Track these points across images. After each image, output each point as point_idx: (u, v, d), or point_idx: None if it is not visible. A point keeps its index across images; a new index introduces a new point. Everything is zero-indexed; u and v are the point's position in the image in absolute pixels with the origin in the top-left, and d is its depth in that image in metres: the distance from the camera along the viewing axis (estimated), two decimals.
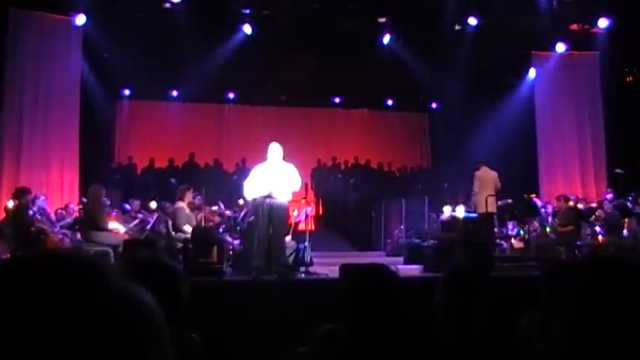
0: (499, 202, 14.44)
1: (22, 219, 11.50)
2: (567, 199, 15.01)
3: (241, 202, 14.23)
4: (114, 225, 11.95)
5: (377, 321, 3.13)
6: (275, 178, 10.52)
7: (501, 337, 3.57)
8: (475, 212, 14.32)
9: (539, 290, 3.81)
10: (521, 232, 15.35)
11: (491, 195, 13.88)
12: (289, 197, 10.89)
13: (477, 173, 14.25)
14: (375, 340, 3.10)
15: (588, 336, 1.36)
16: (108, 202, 13.26)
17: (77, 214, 13.41)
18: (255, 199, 10.67)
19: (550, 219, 15.64)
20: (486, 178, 14.11)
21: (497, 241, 14.79)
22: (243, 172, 18.11)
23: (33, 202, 12.40)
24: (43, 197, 13.39)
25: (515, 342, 3.78)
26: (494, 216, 14.42)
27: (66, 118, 16.23)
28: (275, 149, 10.84)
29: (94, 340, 0.79)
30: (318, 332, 3.88)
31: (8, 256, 10.32)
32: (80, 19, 16.10)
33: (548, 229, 15.11)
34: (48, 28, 16.06)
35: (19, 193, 11.93)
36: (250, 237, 11.26)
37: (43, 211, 12.90)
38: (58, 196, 15.54)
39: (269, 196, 10.40)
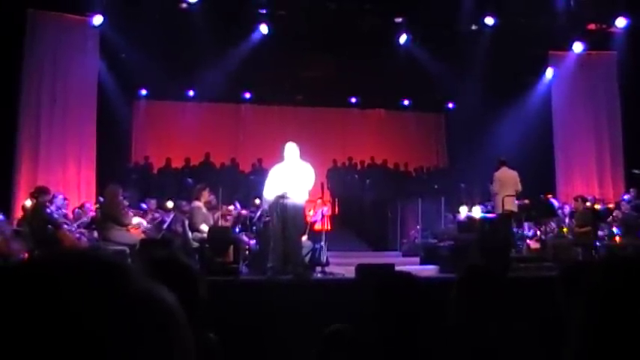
0: (517, 202, 14.34)
1: (39, 218, 11.56)
2: (585, 200, 14.92)
3: (257, 201, 14.25)
4: (137, 220, 12.02)
5: (398, 324, 3.13)
6: (291, 179, 10.54)
7: (517, 338, 3.56)
8: (494, 213, 14.26)
9: (555, 291, 3.80)
10: (538, 232, 15.30)
11: (508, 195, 13.78)
12: (305, 197, 10.90)
13: (496, 174, 14.10)
14: (395, 341, 3.10)
15: (606, 338, 1.36)
16: (126, 203, 13.32)
17: (94, 214, 13.46)
18: (270, 200, 10.71)
19: (567, 220, 15.58)
20: (506, 178, 13.99)
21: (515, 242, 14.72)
22: (259, 171, 18.16)
23: (51, 201, 12.46)
24: (61, 197, 13.46)
25: (531, 343, 3.77)
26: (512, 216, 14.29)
27: (83, 118, 16.32)
28: (291, 149, 10.85)
29: (117, 340, 0.80)
30: (326, 332, 3.89)
31: (26, 255, 10.38)
32: (97, 20, 16.17)
33: (565, 230, 15.04)
34: (65, 28, 16.15)
35: (38, 193, 11.99)
36: (266, 237, 11.30)
37: (61, 210, 12.96)
38: (75, 195, 15.61)
39: (283, 197, 10.41)
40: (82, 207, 14.37)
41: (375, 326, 3.20)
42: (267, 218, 11.41)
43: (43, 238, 11.15)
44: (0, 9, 14.34)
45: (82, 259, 0.87)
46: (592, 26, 18.61)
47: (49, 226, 11.60)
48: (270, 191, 10.71)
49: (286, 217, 10.42)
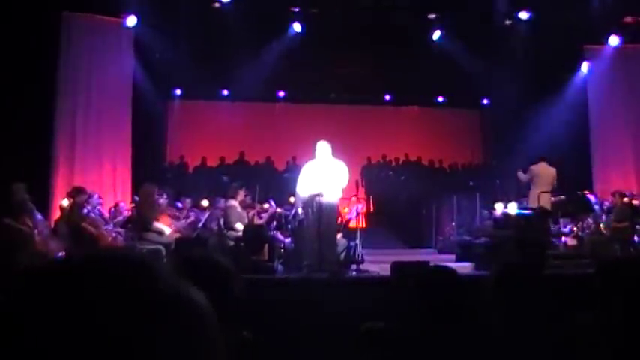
0: (552, 199, 14.22)
1: (76, 218, 11.67)
2: (622, 195, 14.75)
3: (292, 199, 14.26)
4: (159, 225, 11.96)
5: (437, 319, 3.12)
6: (324, 177, 10.56)
7: (554, 336, 3.53)
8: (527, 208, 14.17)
9: (593, 288, 3.76)
10: (574, 229, 15.15)
11: (544, 192, 13.69)
12: (339, 195, 10.91)
13: (533, 167, 14.04)
14: (433, 338, 3.09)
15: None
16: (165, 201, 13.39)
17: (129, 213, 13.56)
18: (303, 197, 10.76)
19: (604, 217, 15.39)
20: (543, 173, 13.90)
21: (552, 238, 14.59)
22: (293, 169, 18.19)
23: (87, 201, 12.57)
24: (97, 196, 13.57)
25: (568, 341, 3.73)
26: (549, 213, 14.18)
27: (118, 118, 16.45)
28: (323, 148, 10.88)
29: (145, 340, 0.80)
30: (361, 330, 3.88)
31: (63, 254, 10.49)
32: (131, 21, 16.29)
33: (602, 226, 14.87)
34: (100, 29, 16.28)
35: (75, 193, 12.10)
36: (301, 235, 11.33)
37: (96, 210, 13.08)
38: (110, 195, 15.72)
39: (318, 195, 10.44)
40: (116, 206, 14.48)
41: (413, 322, 3.19)
42: (302, 216, 11.43)
43: (80, 237, 11.25)
44: (36, 12, 14.53)
45: (113, 259, 0.88)
46: (628, 19, 18.35)
47: (86, 225, 11.70)
48: (303, 189, 10.75)
49: (321, 215, 10.45)
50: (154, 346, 0.80)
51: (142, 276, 0.85)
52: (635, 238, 13.99)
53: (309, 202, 10.62)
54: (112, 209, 14.39)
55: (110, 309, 0.80)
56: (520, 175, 14.35)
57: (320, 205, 10.47)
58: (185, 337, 0.83)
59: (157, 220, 11.93)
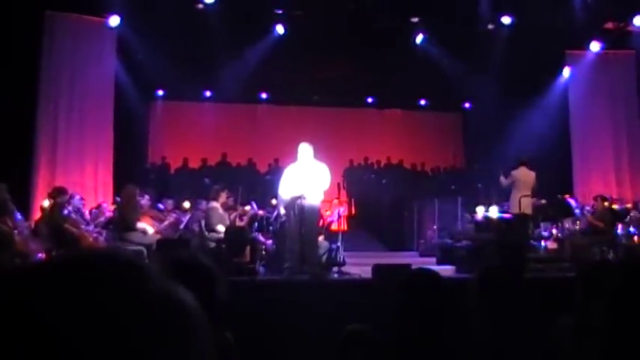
0: (533, 201, 14.27)
1: (57, 218, 11.59)
2: (604, 199, 14.83)
3: (274, 201, 14.24)
4: (142, 225, 11.91)
5: (420, 322, 3.13)
6: (306, 179, 10.56)
7: (536, 339, 3.55)
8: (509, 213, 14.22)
9: (574, 291, 3.78)
10: (554, 232, 15.21)
11: (525, 196, 13.73)
12: (321, 197, 10.92)
13: (513, 172, 14.07)
14: (416, 340, 3.09)
15: (628, 337, 1.35)
16: (148, 202, 13.33)
17: (111, 214, 13.50)
18: (285, 200, 10.76)
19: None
20: (523, 178, 13.92)
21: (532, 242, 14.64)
22: (276, 171, 18.17)
23: (68, 201, 12.50)
24: (78, 197, 13.49)
25: (550, 344, 3.75)
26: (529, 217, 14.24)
27: (100, 119, 16.37)
28: (304, 150, 10.87)
29: (136, 340, 0.80)
30: (345, 332, 3.89)
31: (44, 255, 10.43)
32: (114, 21, 16.22)
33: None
34: (82, 29, 16.20)
35: (55, 193, 12.02)
36: (283, 237, 11.31)
37: (78, 211, 13.00)
38: (92, 195, 15.65)
39: (300, 197, 10.44)
40: (98, 207, 14.42)
41: (396, 324, 3.19)
42: (284, 218, 11.42)
43: (61, 238, 11.19)
44: (18, 11, 14.45)
45: (101, 259, 0.87)
46: (610, 25, 18.48)
47: (67, 225, 11.63)
48: (285, 191, 10.75)
49: (303, 217, 10.44)
50: (144, 348, 0.80)
51: (131, 276, 0.85)
52: (619, 230, 14.09)
53: (291, 204, 10.61)
54: (94, 210, 14.32)
55: (100, 309, 0.80)
56: (502, 179, 14.40)
57: (302, 208, 10.46)
58: (176, 338, 0.83)
59: (139, 220, 11.88)
